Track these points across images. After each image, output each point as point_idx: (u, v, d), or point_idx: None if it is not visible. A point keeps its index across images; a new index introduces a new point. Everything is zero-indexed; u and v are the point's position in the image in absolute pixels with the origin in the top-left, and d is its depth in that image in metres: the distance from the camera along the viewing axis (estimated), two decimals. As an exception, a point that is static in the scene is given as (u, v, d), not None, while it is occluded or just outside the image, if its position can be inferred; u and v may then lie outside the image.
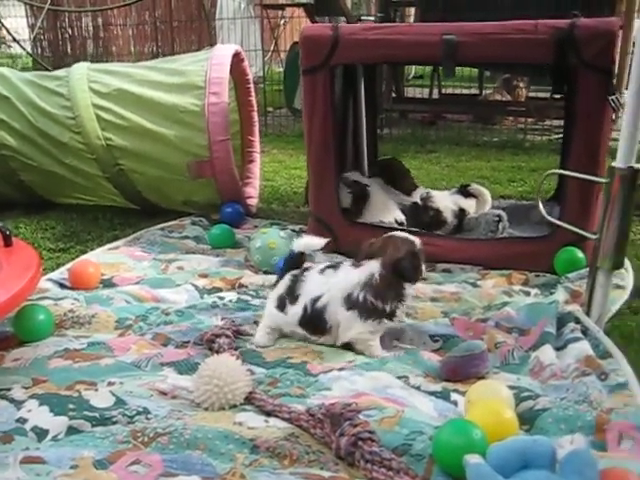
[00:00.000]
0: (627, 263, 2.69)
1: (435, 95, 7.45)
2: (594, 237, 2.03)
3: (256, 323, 2.17)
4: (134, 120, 3.26)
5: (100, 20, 10.50)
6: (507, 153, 5.43)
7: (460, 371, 1.84)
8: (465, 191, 3.17)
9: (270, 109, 7.02)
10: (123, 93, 3.30)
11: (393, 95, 6.99)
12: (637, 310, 2.34)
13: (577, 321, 2.06)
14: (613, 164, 1.93)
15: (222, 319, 2.20)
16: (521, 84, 7.20)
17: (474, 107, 7.12)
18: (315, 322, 2.03)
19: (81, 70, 3.43)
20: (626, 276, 2.57)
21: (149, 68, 3.43)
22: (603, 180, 1.98)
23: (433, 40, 2.58)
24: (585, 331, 2.01)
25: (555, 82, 2.59)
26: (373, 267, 1.99)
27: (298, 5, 7.51)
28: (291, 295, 2.07)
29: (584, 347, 1.89)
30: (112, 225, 3.41)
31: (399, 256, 1.97)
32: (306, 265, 2.16)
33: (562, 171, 2.52)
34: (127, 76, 3.37)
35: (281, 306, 2.08)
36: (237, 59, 3.59)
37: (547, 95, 5.80)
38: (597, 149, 2.51)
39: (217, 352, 1.93)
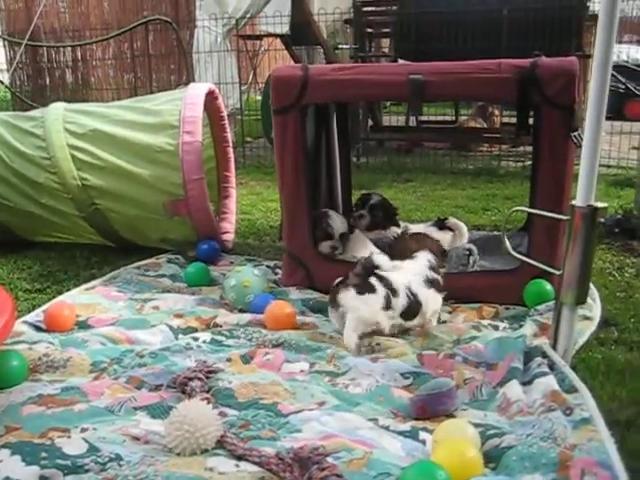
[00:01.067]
0: (595, 293, 2.75)
1: (412, 122, 7.57)
2: (558, 272, 2.08)
3: (229, 360, 2.21)
4: (109, 160, 3.30)
5: (79, 53, 10.54)
6: (482, 181, 5.52)
7: (429, 409, 1.87)
8: (442, 224, 3.22)
9: (249, 139, 7.08)
10: (98, 133, 3.34)
11: (370, 124, 7.09)
12: (604, 341, 2.39)
13: (544, 355, 2.10)
14: (573, 202, 1.99)
15: (195, 361, 2.22)
16: (496, 111, 7.34)
17: (450, 134, 7.23)
18: (413, 307, 2.41)
19: (57, 111, 3.46)
20: (594, 307, 2.62)
21: (124, 108, 3.48)
22: (565, 218, 2.04)
23: (400, 80, 2.65)
24: (552, 365, 2.05)
25: (520, 120, 2.65)
26: (426, 256, 2.57)
27: (275, 36, 7.62)
28: (391, 290, 2.37)
29: (550, 382, 1.93)
30: (89, 263, 3.42)
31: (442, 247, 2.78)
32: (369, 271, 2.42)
33: (526, 209, 2.59)
34: (102, 116, 3.41)
35: (388, 304, 2.35)
36: (211, 97, 3.65)
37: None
38: (562, 184, 2.58)
39: (190, 395, 1.94)
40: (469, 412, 1.89)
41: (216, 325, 2.56)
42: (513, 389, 1.92)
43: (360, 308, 2.33)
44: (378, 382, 2.06)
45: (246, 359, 2.25)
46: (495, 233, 3.53)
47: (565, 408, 1.81)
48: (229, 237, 3.75)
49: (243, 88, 9.16)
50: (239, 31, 7.36)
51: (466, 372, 2.08)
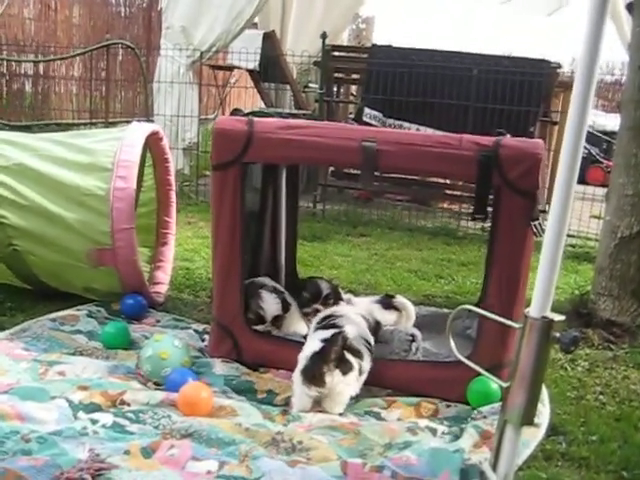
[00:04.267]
0: (544, 394, 2.54)
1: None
2: (505, 385, 1.85)
3: (127, 453, 1.93)
4: (33, 199, 3.01)
5: (42, 67, 10.21)
6: (439, 241, 5.34)
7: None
8: (388, 302, 3.00)
9: (208, 173, 6.81)
10: (24, 168, 3.05)
11: (331, 169, 6.89)
12: (550, 455, 2.16)
13: (482, 477, 1.86)
14: (527, 311, 1.77)
15: (89, 450, 1.93)
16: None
17: (411, 187, 7.06)
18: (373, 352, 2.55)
19: (-20, 137, 3.18)
20: (542, 411, 2.41)
21: (56, 142, 3.19)
22: (516, 326, 1.81)
23: (352, 146, 2.43)
24: (490, 491, 1.81)
25: (478, 202, 2.45)
26: None
27: (245, 70, 7.43)
28: (359, 356, 2.40)
29: (486, 515, 1.69)
30: (1, 309, 3.11)
31: None
32: None
33: (474, 308, 2.36)
34: (31, 149, 3.12)
35: (360, 372, 2.39)
36: (155, 137, 3.40)
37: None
38: (517, 275, 2.38)
39: (69, 503, 1.67)
40: None
41: (123, 403, 2.27)
42: (444, 521, 1.68)
43: (346, 390, 2.34)
44: (292, 497, 1.81)
45: (147, 452, 1.96)
46: (445, 310, 3.31)
47: None
48: (162, 289, 3.48)
49: (212, 116, 8.95)
50: (210, 61, 7.18)
51: (393, 491, 1.83)
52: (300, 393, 2.33)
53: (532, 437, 2.22)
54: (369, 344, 2.50)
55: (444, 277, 4.25)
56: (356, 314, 2.63)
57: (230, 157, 2.52)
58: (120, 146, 3.02)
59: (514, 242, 2.35)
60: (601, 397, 2.63)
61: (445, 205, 6.72)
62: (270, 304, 2.79)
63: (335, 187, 6.83)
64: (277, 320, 2.80)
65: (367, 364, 2.42)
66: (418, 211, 6.24)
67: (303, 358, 2.34)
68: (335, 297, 2.96)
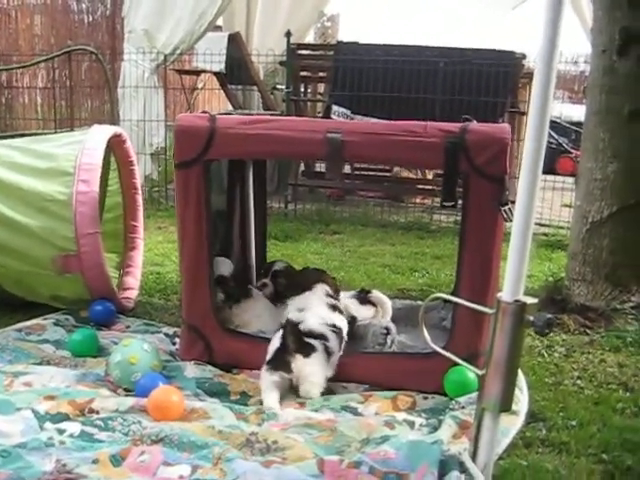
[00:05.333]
0: (522, 381, 2.51)
1: (347, 169, 7.33)
2: (480, 372, 1.82)
3: (95, 462, 1.86)
4: (-7, 207, 2.93)
5: (4, 77, 10.04)
6: (412, 236, 5.31)
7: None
8: (364, 297, 2.96)
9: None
10: (-18, 175, 2.97)
11: (302, 169, 6.84)
12: (530, 442, 2.13)
13: (462, 468, 1.82)
14: (499, 295, 1.73)
15: (56, 461, 1.86)
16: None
17: (384, 184, 7.04)
18: (341, 335, 2.61)
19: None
20: (520, 398, 2.38)
21: (15, 148, 3.10)
22: (489, 311, 1.78)
23: (316, 138, 2.38)
24: (470, 481, 1.78)
25: (446, 189, 2.41)
26: (322, 287, 2.80)
27: (211, 73, 7.37)
28: (324, 339, 2.47)
29: (466, 506, 1.65)
30: (-35, 322, 3.02)
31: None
32: None
33: (446, 296, 2.33)
34: (-11, 157, 3.04)
35: (328, 354, 2.45)
36: (119, 140, 3.33)
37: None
38: (489, 261, 2.35)
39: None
40: (371, 542, 1.59)
41: (92, 411, 2.19)
42: (423, 515, 1.64)
43: (315, 371, 2.40)
44: (268, 498, 1.75)
45: (117, 460, 1.89)
46: (420, 303, 3.27)
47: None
48: (132, 294, 3.41)
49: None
50: (175, 65, 7.09)
51: (372, 486, 1.78)
52: (267, 383, 2.39)
53: (511, 425, 2.19)
54: (335, 327, 2.55)
55: (418, 270, 4.22)
56: (318, 301, 2.69)
57: (193, 155, 2.46)
58: (81, 149, 2.95)
59: (484, 228, 2.32)
60: (579, 382, 2.61)
61: (418, 200, 6.70)
62: (222, 265, 2.87)
63: (306, 186, 6.77)
64: (224, 280, 2.83)
65: (335, 344, 2.48)
66: (391, 207, 6.22)
67: (268, 354, 2.45)
68: (287, 276, 3.07)
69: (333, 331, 2.51)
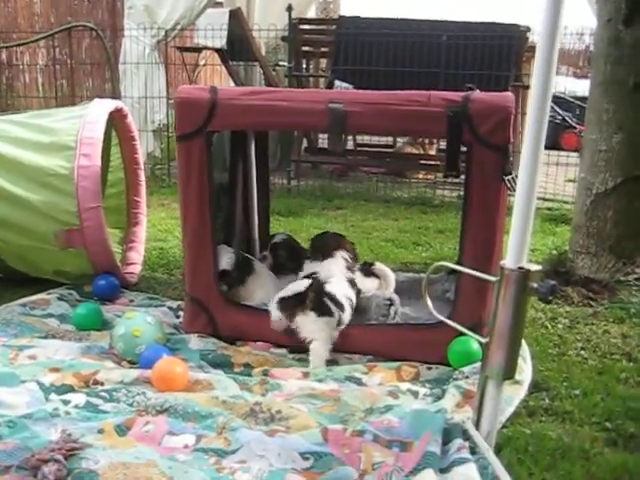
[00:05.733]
0: (525, 351, 2.51)
1: (349, 145, 7.30)
2: (484, 340, 1.82)
3: (101, 432, 1.87)
4: (-5, 182, 2.92)
5: (4, 55, 9.98)
6: (415, 211, 5.30)
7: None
8: (367, 269, 2.95)
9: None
10: (-17, 151, 2.96)
11: (305, 145, 6.81)
12: (534, 411, 2.14)
13: (465, 436, 1.83)
14: (502, 263, 1.73)
15: (62, 431, 1.87)
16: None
17: (386, 160, 7.01)
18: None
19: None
20: (524, 367, 2.38)
21: (16, 123, 3.09)
22: (492, 279, 1.77)
23: (319, 108, 2.36)
24: (473, 448, 1.78)
25: (450, 159, 2.40)
26: (342, 254, 2.79)
27: (212, 49, 7.30)
28: (340, 307, 2.51)
29: (470, 473, 1.65)
30: (-31, 297, 3.03)
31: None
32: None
33: (450, 264, 2.32)
34: (-11, 132, 3.03)
35: (339, 322, 2.50)
36: (120, 114, 3.32)
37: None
38: (493, 231, 2.34)
39: (40, 484, 1.61)
40: (375, 508, 1.60)
41: (96, 383, 2.20)
42: (427, 480, 1.64)
43: (323, 332, 2.46)
44: (272, 466, 1.76)
45: (122, 430, 1.90)
46: (422, 275, 3.26)
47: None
48: (135, 269, 3.41)
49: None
50: (177, 42, 7.02)
51: (376, 454, 1.78)
52: (275, 315, 2.51)
53: (515, 394, 2.19)
54: (352, 301, 2.59)
55: (421, 244, 4.21)
56: (340, 275, 2.69)
57: (195, 126, 2.44)
58: (82, 123, 2.94)
59: (488, 197, 2.30)
60: (582, 352, 2.61)
61: (421, 176, 6.67)
62: (223, 255, 2.81)
63: (309, 163, 6.75)
64: (225, 275, 2.78)
65: (347, 317, 2.52)
66: (394, 182, 6.19)
67: (285, 291, 2.54)
68: (287, 248, 3.12)
69: (351, 307, 2.56)
